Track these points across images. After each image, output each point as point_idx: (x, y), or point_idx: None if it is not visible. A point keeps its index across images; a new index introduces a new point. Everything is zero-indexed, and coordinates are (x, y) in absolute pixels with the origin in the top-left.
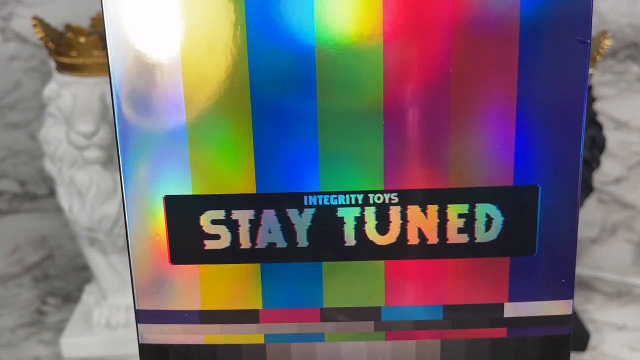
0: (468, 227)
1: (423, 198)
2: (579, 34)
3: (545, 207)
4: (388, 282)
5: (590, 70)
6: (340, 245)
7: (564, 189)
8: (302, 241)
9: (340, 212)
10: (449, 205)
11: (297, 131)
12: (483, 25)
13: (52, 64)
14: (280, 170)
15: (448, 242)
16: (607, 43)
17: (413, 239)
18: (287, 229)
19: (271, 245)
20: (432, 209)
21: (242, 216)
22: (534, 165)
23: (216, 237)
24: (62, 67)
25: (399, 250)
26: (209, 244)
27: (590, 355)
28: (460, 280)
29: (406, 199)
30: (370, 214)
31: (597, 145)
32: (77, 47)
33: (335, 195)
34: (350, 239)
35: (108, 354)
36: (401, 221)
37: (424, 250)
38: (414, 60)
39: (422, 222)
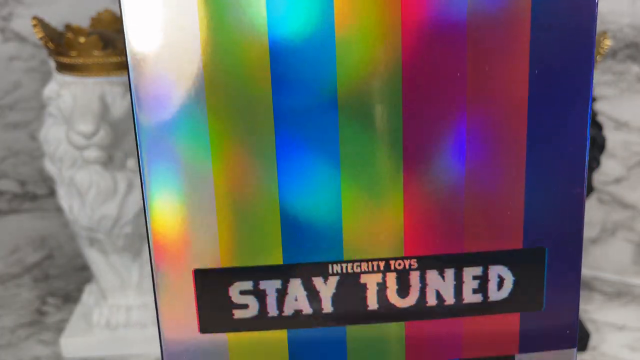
0: (482, 287)
1: (440, 263)
2: (580, 90)
3: (552, 266)
4: (408, 342)
5: None
6: (363, 309)
7: (568, 249)
8: (327, 307)
9: (363, 278)
10: (464, 268)
11: (322, 200)
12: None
13: (52, 64)
14: (307, 240)
15: (464, 302)
16: (607, 43)
17: (431, 300)
18: (313, 296)
19: (297, 312)
20: (449, 272)
21: (270, 286)
22: (541, 229)
23: (244, 306)
24: (62, 67)
25: (419, 311)
26: (237, 314)
27: (590, 355)
28: (475, 336)
29: (425, 264)
30: (391, 279)
31: (597, 145)
32: (77, 47)
33: (359, 263)
34: (372, 303)
35: (108, 354)
36: (420, 284)
37: (442, 310)
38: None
39: (439, 284)
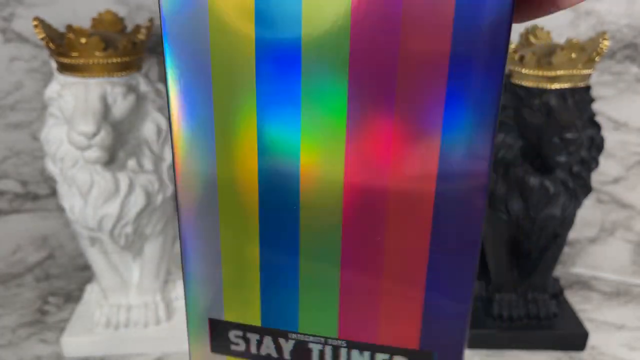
0: None
1: (361, 347)
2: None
3: None
4: None
5: (589, 71)
6: None
7: (452, 352)
8: (287, 356)
9: (310, 345)
10: (376, 353)
11: (287, 297)
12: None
13: (53, 64)
14: (275, 315)
15: None
16: (606, 44)
17: None
18: (278, 348)
19: (268, 354)
20: (366, 353)
21: (252, 337)
22: (433, 337)
23: (237, 344)
24: (63, 68)
25: None
26: (233, 347)
27: (589, 354)
28: None
29: (351, 345)
30: (328, 350)
31: (596, 145)
32: (78, 47)
33: (307, 336)
34: None
35: (108, 354)
36: (347, 357)
37: None
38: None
39: None
